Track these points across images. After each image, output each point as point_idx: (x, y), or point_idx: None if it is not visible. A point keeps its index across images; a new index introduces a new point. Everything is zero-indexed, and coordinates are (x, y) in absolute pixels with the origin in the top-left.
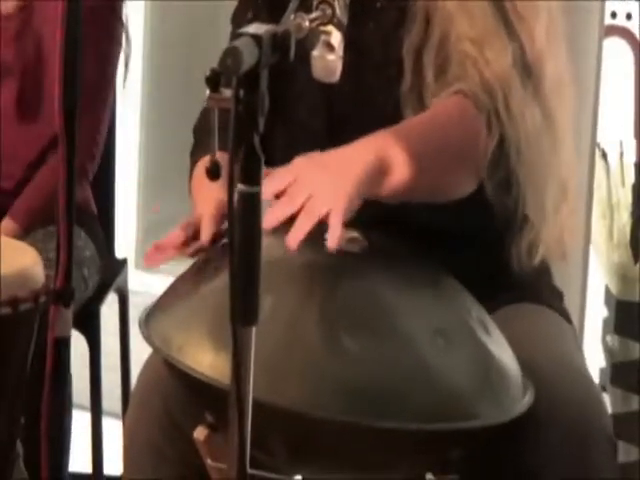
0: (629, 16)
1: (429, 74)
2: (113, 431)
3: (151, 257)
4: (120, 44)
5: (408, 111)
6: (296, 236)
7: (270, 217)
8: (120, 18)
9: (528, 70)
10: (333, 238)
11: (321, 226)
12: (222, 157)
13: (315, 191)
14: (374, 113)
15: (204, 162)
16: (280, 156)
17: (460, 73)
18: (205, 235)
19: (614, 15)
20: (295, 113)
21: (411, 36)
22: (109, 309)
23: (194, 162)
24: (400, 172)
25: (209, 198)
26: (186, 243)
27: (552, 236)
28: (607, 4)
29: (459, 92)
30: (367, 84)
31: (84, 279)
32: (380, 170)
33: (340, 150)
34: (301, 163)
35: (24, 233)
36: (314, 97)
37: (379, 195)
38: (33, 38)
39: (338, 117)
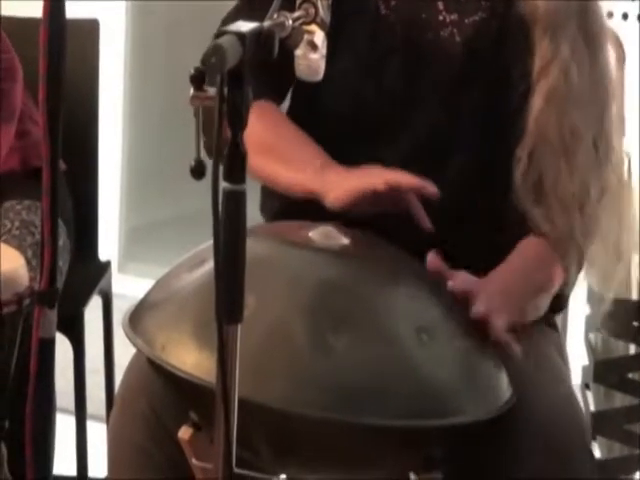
0: (610, 14)
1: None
2: (97, 434)
3: None
4: None
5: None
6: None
7: None
8: None
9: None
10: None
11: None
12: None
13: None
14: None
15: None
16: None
17: (553, 214)
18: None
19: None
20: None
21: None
22: (92, 312)
23: None
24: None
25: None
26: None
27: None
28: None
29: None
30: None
31: (59, 270)
32: None
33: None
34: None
35: None
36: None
37: None
38: None
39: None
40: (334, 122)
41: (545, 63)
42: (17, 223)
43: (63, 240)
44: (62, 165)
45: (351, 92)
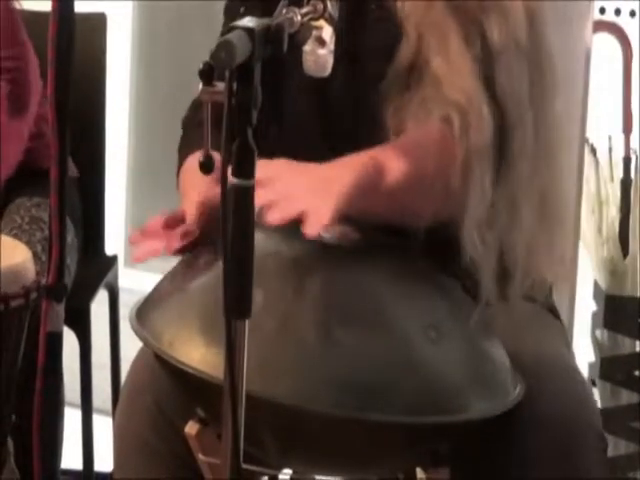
0: (618, 12)
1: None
2: (103, 428)
3: (138, 250)
4: None
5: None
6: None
7: None
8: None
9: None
10: (312, 227)
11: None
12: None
13: (293, 193)
14: (369, 120)
15: (194, 157)
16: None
17: (433, 94)
18: (191, 219)
19: (602, 11)
20: (290, 113)
21: (400, 55)
22: (99, 307)
23: (183, 156)
24: (395, 170)
25: (197, 192)
26: (170, 227)
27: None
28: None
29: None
30: (362, 92)
31: (68, 268)
32: (375, 171)
33: (328, 164)
34: (281, 165)
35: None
36: (310, 98)
37: (378, 200)
38: None
39: (334, 120)
40: (288, 128)
41: None
42: (27, 219)
43: (71, 238)
44: (74, 171)
45: (301, 104)
